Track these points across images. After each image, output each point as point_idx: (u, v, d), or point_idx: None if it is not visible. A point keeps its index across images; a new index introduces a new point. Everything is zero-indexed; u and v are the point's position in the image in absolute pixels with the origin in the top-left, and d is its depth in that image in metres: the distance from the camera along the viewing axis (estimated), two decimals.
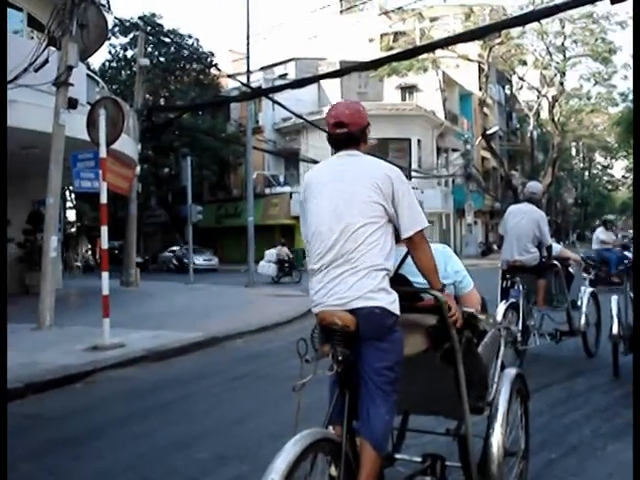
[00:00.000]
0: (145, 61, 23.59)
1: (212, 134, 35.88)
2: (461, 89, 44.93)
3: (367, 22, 41.64)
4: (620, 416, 5.38)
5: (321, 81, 32.97)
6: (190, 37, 40.08)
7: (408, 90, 41.56)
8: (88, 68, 21.72)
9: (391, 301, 2.88)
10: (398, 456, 3.46)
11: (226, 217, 40.77)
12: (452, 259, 3.49)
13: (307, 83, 17.59)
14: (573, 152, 69.02)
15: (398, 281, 3.06)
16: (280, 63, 40.54)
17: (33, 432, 5.52)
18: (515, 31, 33.61)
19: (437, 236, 36.66)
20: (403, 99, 41.31)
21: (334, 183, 3.00)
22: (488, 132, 38.91)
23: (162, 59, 39.39)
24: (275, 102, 22.52)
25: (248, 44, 23.37)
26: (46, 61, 11.14)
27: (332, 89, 36.93)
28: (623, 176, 71.47)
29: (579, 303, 7.80)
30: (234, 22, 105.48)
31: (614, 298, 6.83)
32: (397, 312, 2.90)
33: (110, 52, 39.82)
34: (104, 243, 9.35)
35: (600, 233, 15.90)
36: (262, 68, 37.87)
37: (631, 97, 31.34)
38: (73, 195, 32.94)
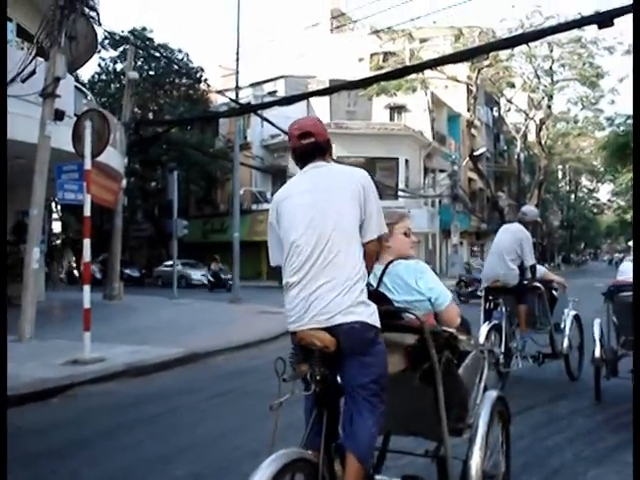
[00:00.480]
0: (134, 74, 23.55)
1: (200, 149, 35.75)
2: (449, 110, 45.21)
3: (357, 41, 41.81)
4: (603, 440, 5.36)
5: (310, 99, 33.00)
6: (180, 51, 40.05)
7: (397, 110, 41.71)
8: (77, 80, 21.69)
9: (370, 313, 2.84)
10: (378, 477, 3.39)
11: (212, 232, 40.59)
12: (425, 275, 3.37)
13: (296, 100, 17.56)
14: (559, 175, 69.43)
15: (378, 298, 3.03)
16: (270, 80, 40.58)
17: (12, 444, 5.43)
18: (504, 54, 33.94)
19: (423, 256, 36.59)
20: (391, 119, 41.44)
21: (307, 195, 2.97)
22: (475, 153, 39.07)
23: (152, 73, 39.29)
24: (264, 119, 22.48)
25: (237, 60, 23.48)
26: (33, 72, 11.10)
27: (321, 107, 36.99)
28: (609, 200, 71.97)
29: (562, 326, 7.79)
30: (224, 38, 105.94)
31: (597, 322, 6.84)
32: (377, 324, 2.85)
33: (100, 65, 39.69)
34: (86, 256, 9.25)
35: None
36: (252, 84, 37.95)
37: (617, 121, 31.65)
38: (59, 207, 32.70)
